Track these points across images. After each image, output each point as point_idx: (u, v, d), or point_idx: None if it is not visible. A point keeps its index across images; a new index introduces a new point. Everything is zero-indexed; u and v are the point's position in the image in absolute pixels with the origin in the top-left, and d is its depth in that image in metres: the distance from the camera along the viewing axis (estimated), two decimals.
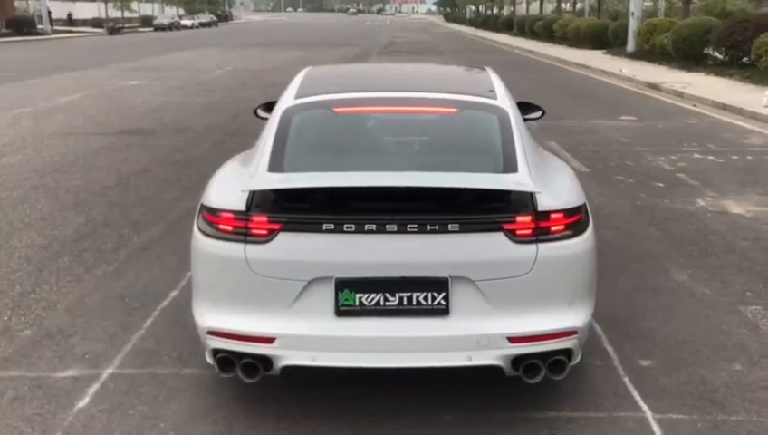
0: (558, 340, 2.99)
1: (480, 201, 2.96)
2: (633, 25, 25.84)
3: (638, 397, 3.44)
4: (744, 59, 18.38)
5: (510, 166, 3.16)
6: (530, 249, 2.92)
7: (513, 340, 2.95)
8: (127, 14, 69.34)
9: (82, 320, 4.24)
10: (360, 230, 2.88)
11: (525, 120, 3.96)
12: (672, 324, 4.23)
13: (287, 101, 3.71)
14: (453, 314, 2.93)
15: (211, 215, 3.11)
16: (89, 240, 5.68)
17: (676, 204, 6.83)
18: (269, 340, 2.95)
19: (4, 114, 12.38)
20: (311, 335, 2.94)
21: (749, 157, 9.10)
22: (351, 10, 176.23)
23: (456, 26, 76.16)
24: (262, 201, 2.97)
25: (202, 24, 72.70)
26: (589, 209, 3.28)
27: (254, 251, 2.92)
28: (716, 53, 20.27)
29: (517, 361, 2.98)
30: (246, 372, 3.03)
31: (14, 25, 45.82)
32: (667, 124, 11.75)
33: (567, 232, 3.02)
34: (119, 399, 3.40)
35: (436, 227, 2.89)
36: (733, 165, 8.62)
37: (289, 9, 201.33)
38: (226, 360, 3.05)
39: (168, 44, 38.10)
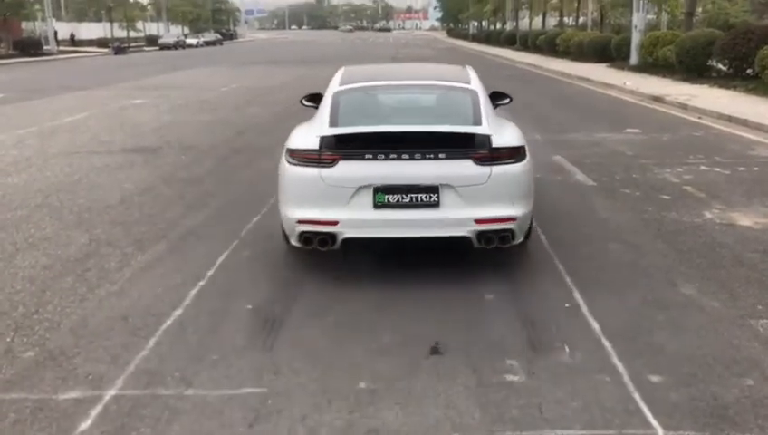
0: (504, 223, 4.93)
1: (458, 141, 4.94)
2: (636, 38, 25.87)
3: (648, 414, 3.37)
4: (748, 70, 18.35)
5: (477, 121, 5.17)
6: (487, 169, 4.87)
7: (477, 221, 4.89)
8: (132, 34, 69.88)
9: (85, 340, 4.20)
10: (387, 158, 4.85)
11: (497, 105, 6.52)
12: (681, 339, 4.16)
13: (334, 87, 5.72)
14: (442, 207, 4.88)
15: (297, 153, 5.04)
16: (92, 259, 5.65)
17: (683, 216, 6.77)
18: (334, 223, 4.87)
19: (9, 134, 12.42)
20: (358, 219, 4.88)
21: (756, 168, 9.05)
22: (347, 27, 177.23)
23: (458, 42, 76.43)
24: (327, 143, 4.92)
25: (207, 43, 73.13)
26: (527, 149, 5.19)
27: (325, 172, 4.85)
28: (720, 65, 20.26)
29: (480, 235, 4.92)
30: (321, 245, 4.95)
31: (20, 46, 46.16)
32: (673, 136, 11.70)
33: (510, 160, 4.98)
34: (121, 421, 3.35)
35: (432, 156, 4.86)
36: (739, 177, 8.56)
37: (293, 27, 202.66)
38: (308, 238, 4.96)
39: (173, 63, 38.32)
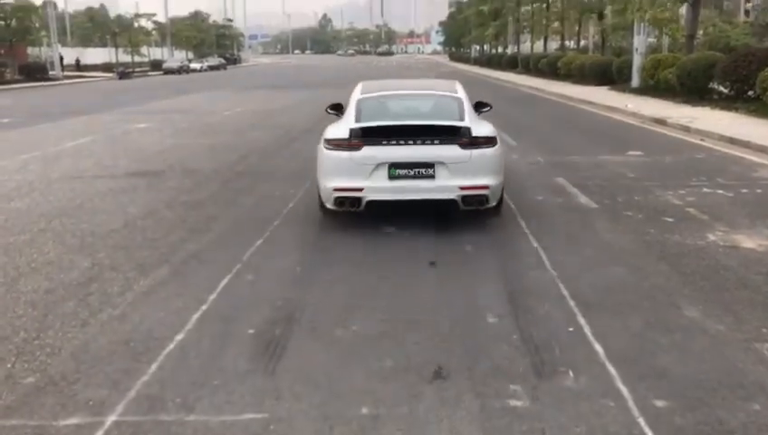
0: (481, 190, 6.78)
1: (448, 132, 6.81)
2: (637, 61, 26.01)
3: None
4: (750, 93, 18.41)
5: (461, 118, 7.10)
6: (468, 151, 6.73)
7: (462, 188, 6.72)
8: (137, 59, 70.49)
9: (86, 366, 4.18)
10: (397, 144, 6.73)
11: (480, 112, 8.13)
12: (686, 362, 4.13)
13: (357, 96, 7.61)
14: (437, 178, 6.75)
15: (333, 141, 6.93)
16: (94, 284, 5.65)
17: (686, 239, 6.76)
18: (360, 190, 6.75)
19: (13, 159, 12.49)
20: (378, 187, 6.74)
21: (758, 190, 9.04)
22: (349, 51, 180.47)
23: (461, 65, 76.93)
24: (354, 134, 6.79)
25: (211, 68, 73.71)
26: (498, 139, 7.12)
27: (353, 154, 6.75)
28: (721, 88, 20.32)
29: (464, 198, 6.77)
30: (350, 206, 6.83)
31: (26, 71, 46.60)
32: (675, 159, 11.71)
33: (486, 145, 6.86)
34: None
35: (429, 142, 6.73)
36: (742, 199, 8.56)
37: (297, 51, 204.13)
38: (341, 202, 6.86)
39: (177, 87, 38.60)
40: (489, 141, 6.97)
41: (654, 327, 4.65)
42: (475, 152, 6.80)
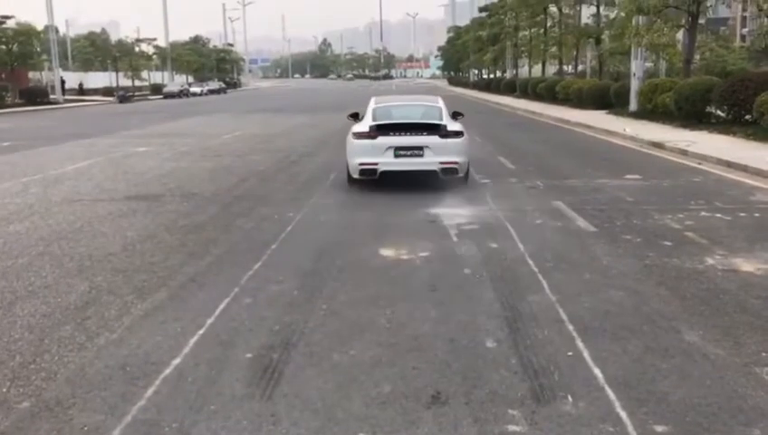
0: (452, 164, 10.53)
1: (432, 127, 10.66)
2: (635, 86, 26.18)
3: None
4: (747, 117, 18.51)
5: (440, 119, 10.98)
6: (444, 140, 10.53)
7: (440, 163, 10.51)
8: (137, 83, 70.92)
9: (82, 390, 4.15)
10: (399, 135, 10.57)
11: (456, 118, 11.64)
12: (686, 387, 4.11)
13: (372, 105, 11.51)
14: (425, 156, 10.49)
15: (358, 134, 10.76)
16: (92, 308, 5.63)
17: (685, 263, 6.75)
18: (376, 164, 10.54)
19: (13, 182, 12.51)
20: (387, 162, 10.50)
21: (756, 214, 9.05)
22: (335, 75, 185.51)
23: (459, 89, 77.39)
24: (372, 128, 10.64)
25: (211, 91, 74.14)
26: (465, 132, 10.98)
27: (372, 141, 10.53)
28: (719, 112, 20.44)
29: (442, 170, 10.55)
30: (370, 175, 10.62)
31: (27, 95, 46.83)
32: (673, 182, 11.75)
33: (455, 136, 10.67)
34: None
35: (420, 134, 10.61)
36: (741, 222, 8.57)
37: (296, 75, 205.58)
38: (363, 171, 10.63)
39: (177, 111, 38.79)
40: (458, 134, 10.86)
41: (653, 351, 4.63)
42: (449, 141, 10.65)
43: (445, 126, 10.74)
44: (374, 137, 10.56)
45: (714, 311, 5.40)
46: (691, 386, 4.13)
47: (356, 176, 10.82)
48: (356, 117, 11.95)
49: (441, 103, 11.73)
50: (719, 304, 5.57)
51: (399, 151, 10.50)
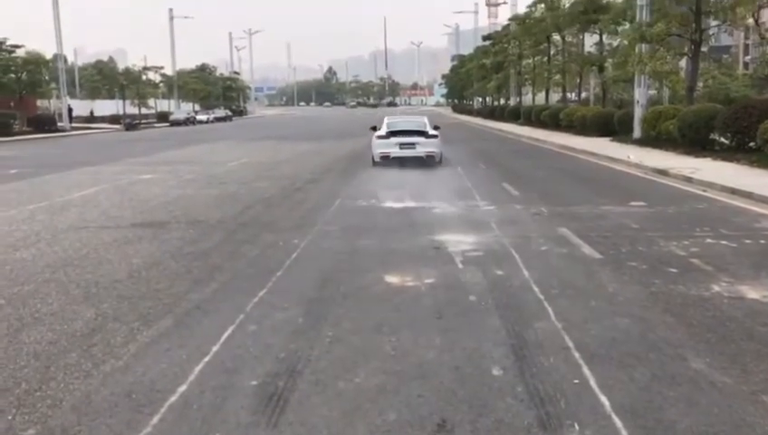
0: (432, 153, 19.89)
1: (421, 132, 20.25)
2: (639, 113, 26.31)
3: None
4: (751, 144, 18.56)
5: (426, 127, 20.54)
6: (427, 139, 19.95)
7: (425, 152, 19.91)
8: (144, 111, 71.50)
9: (87, 418, 4.15)
10: (402, 136, 19.99)
11: (437, 129, 21.07)
12: (693, 416, 4.09)
13: (387, 120, 21.23)
14: (416, 148, 19.71)
15: (379, 136, 20.15)
16: (98, 335, 5.64)
17: (690, 290, 6.74)
18: (389, 153, 19.76)
19: (20, 209, 12.59)
20: (395, 152, 19.70)
21: (762, 241, 9.04)
22: (329, 103, 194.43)
23: (463, 117, 77.77)
24: (387, 133, 20.07)
25: (217, 119, 74.71)
26: (439, 133, 20.85)
27: (387, 140, 19.91)
28: (722, 139, 20.50)
29: (426, 157, 19.79)
30: (385, 159, 19.67)
31: (35, 123, 47.25)
32: (678, 209, 11.76)
33: (433, 137, 20.15)
34: None
35: (413, 135, 20.10)
36: (746, 249, 8.56)
37: (301, 103, 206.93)
38: (382, 157, 19.74)
39: (183, 139, 39.06)
40: (435, 136, 19.90)
41: (660, 379, 4.61)
42: (429, 139, 19.65)
43: (427, 132, 20.20)
44: (388, 137, 19.87)
45: (720, 338, 5.38)
46: (698, 414, 4.10)
47: (377, 160, 19.85)
48: (374, 128, 21.12)
49: (426, 120, 21.26)
50: (726, 331, 5.55)
51: (402, 145, 19.64)
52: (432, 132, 20.03)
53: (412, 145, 19.49)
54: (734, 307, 6.17)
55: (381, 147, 19.65)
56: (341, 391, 4.50)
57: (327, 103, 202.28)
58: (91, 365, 4.99)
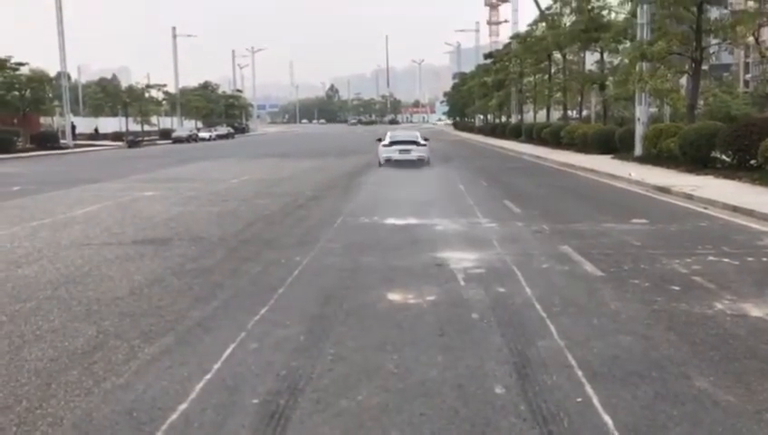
0: (422, 156, 27.53)
1: (415, 141, 28.22)
2: (640, 131, 26.40)
3: None
4: (752, 162, 18.60)
5: (418, 138, 28.74)
6: (419, 147, 27.83)
7: (417, 156, 27.43)
8: (146, 128, 71.77)
9: None
10: (400, 145, 27.89)
11: (426, 140, 29.10)
12: None
13: (389, 133, 29.91)
14: (411, 153, 27.40)
15: (383, 144, 27.98)
16: (99, 352, 5.62)
17: (693, 308, 6.72)
18: (391, 157, 27.32)
19: (23, 226, 12.60)
20: (396, 156, 27.32)
21: (764, 259, 9.03)
22: (317, 120, 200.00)
23: (465, 134, 77.99)
24: (390, 142, 27.95)
25: (219, 136, 74.90)
26: (428, 142, 29.30)
27: (389, 147, 27.66)
28: (724, 157, 20.54)
29: (418, 160, 27.31)
30: (388, 162, 27.17)
31: (37, 140, 47.46)
32: (680, 227, 11.75)
33: (423, 145, 27.95)
34: None
35: (409, 144, 28.01)
36: (749, 267, 8.54)
37: (304, 121, 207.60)
38: (387, 160, 27.24)
39: (185, 156, 39.17)
40: (424, 145, 27.78)
41: (664, 398, 4.58)
42: (420, 147, 27.51)
43: (419, 142, 27.68)
44: (390, 145, 27.27)
45: (724, 357, 5.36)
46: (703, 434, 4.08)
47: (382, 163, 26.81)
48: (380, 140, 28.45)
49: (418, 133, 29.64)
50: (729, 349, 5.53)
51: (401, 151, 26.96)
52: (422, 142, 28.05)
53: (408, 151, 27.46)
54: (737, 325, 6.15)
55: (385, 152, 27.43)
56: (343, 409, 4.48)
57: (322, 121, 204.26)
58: (92, 383, 4.97)
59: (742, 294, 7.21)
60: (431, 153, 29.10)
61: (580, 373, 5.01)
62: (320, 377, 5.03)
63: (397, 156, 27.21)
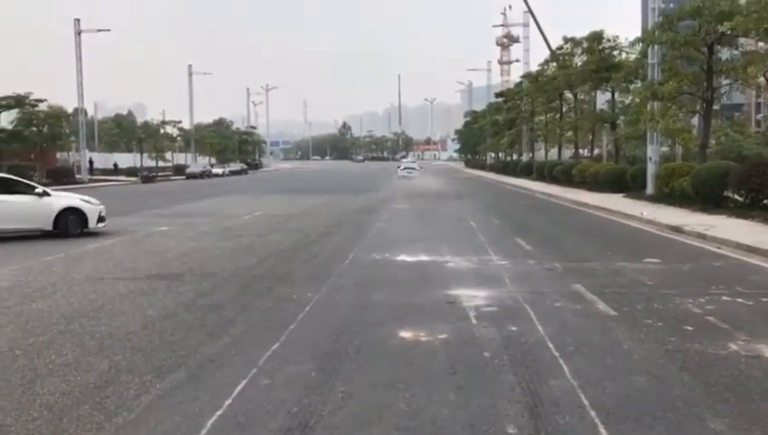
0: (417, 173, 63.64)
1: (414, 168, 65.76)
2: (651, 169, 26.40)
3: None
4: (765, 201, 18.53)
5: (416, 166, 69.21)
6: (417, 170, 65.35)
7: (415, 175, 60.66)
8: (161, 163, 72.54)
9: None
10: (407, 170, 63.23)
11: (421, 168, 72.18)
12: None
13: (402, 163, 76.26)
14: (412, 173, 61.30)
15: (400, 168, 66.21)
16: (111, 387, 5.64)
17: (707, 348, 6.66)
18: (405, 175, 60.76)
19: (37, 260, 12.70)
20: (406, 174, 61.08)
21: None
22: (318, 157, 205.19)
23: (476, 172, 78.31)
24: (402, 167, 66.47)
25: (233, 172, 75.61)
26: (421, 168, 69.29)
27: (402, 170, 64.28)
28: (736, 196, 20.48)
29: (414, 177, 60.44)
30: (403, 178, 58.03)
31: (54, 175, 48.00)
32: (693, 266, 11.69)
33: (419, 169, 66.89)
34: None
35: (412, 169, 64.32)
36: (763, 308, 8.47)
37: (316, 157, 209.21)
38: (401, 177, 59.73)
39: (199, 192, 39.48)
40: (419, 169, 66.45)
41: None
42: (417, 170, 63.81)
43: (416, 168, 64.99)
44: (402, 169, 63.85)
45: (739, 398, 5.30)
46: None
47: (398, 178, 56.56)
48: (398, 166, 68.17)
49: (417, 164, 73.25)
50: (744, 390, 5.47)
51: (409, 172, 60.81)
52: (418, 168, 64.26)
53: (411, 172, 59.67)
54: (752, 366, 6.08)
55: (399, 172, 60.79)
56: None
57: (327, 157, 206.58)
58: (104, 417, 4.97)
59: (756, 334, 7.15)
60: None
61: (593, 414, 4.96)
62: (331, 414, 5.01)
63: (404, 174, 58.64)
